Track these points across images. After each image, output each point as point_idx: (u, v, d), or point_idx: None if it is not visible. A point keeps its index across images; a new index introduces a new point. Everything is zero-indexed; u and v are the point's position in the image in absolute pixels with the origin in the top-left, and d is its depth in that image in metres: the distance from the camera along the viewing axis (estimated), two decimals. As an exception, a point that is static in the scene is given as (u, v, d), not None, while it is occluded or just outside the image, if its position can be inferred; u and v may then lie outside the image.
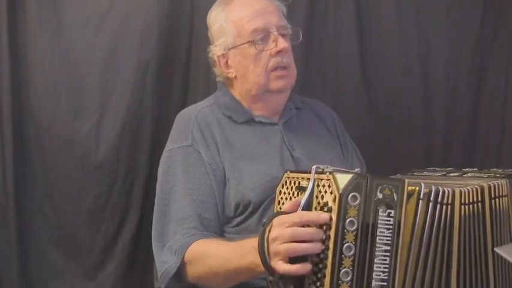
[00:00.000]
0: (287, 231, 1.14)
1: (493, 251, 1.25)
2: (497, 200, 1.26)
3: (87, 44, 1.95)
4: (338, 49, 2.08)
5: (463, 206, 1.21)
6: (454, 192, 1.20)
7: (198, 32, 2.00)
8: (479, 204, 1.23)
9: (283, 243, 1.14)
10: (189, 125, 1.55)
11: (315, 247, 1.13)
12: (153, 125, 1.98)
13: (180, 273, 1.42)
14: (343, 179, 1.12)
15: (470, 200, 1.22)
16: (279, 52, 1.54)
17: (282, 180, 1.30)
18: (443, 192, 1.19)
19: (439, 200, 1.18)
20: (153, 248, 1.50)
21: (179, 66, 2.01)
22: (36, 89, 1.94)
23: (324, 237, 1.13)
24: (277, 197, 1.32)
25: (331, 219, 1.12)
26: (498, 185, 1.26)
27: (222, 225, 1.52)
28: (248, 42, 1.55)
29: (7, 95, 1.90)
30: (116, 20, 1.96)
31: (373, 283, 1.14)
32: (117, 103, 1.96)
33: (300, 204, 1.17)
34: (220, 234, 1.50)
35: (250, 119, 1.59)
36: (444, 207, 1.19)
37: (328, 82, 2.08)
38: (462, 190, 1.21)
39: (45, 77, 1.95)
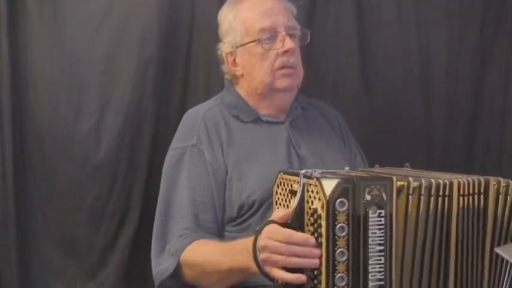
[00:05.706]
0: (276, 244, 1.16)
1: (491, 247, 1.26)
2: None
3: (87, 43, 1.95)
4: (338, 49, 2.08)
5: (461, 198, 1.22)
6: (452, 184, 1.20)
7: (198, 31, 2.00)
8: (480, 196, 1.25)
9: (274, 253, 1.16)
10: (195, 124, 1.56)
11: (311, 262, 1.15)
12: (153, 125, 1.97)
13: (177, 273, 1.44)
14: (329, 185, 1.13)
15: (470, 192, 1.23)
16: (285, 52, 1.55)
17: (277, 180, 1.31)
18: (443, 184, 1.20)
19: (440, 192, 1.19)
20: (152, 247, 1.51)
21: (179, 66, 2.01)
22: (36, 89, 1.94)
23: (319, 254, 1.14)
24: (274, 197, 1.33)
25: (321, 235, 1.13)
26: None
27: (222, 225, 1.53)
28: (255, 40, 1.56)
29: (7, 95, 1.89)
30: (116, 19, 1.96)
31: (370, 284, 1.15)
32: (117, 103, 1.96)
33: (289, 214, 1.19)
34: (218, 234, 1.51)
35: (257, 118, 1.60)
36: (441, 199, 1.20)
37: (328, 82, 2.08)
38: (460, 181, 1.22)
39: (45, 77, 1.94)
